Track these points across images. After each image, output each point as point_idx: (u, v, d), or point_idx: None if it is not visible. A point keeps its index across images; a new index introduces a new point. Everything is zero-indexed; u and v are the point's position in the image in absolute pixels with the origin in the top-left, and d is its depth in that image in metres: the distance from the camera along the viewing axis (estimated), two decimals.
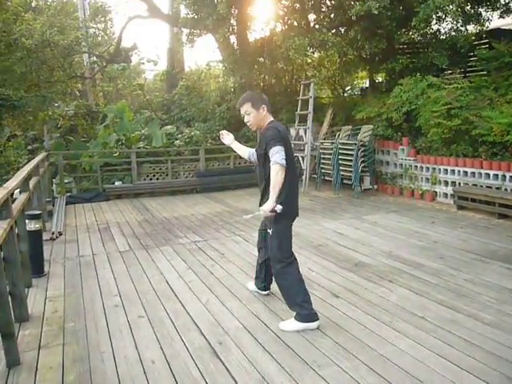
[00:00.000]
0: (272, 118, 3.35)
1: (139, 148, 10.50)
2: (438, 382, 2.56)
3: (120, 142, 10.65)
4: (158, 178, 10.10)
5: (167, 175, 10.15)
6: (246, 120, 3.35)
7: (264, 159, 3.24)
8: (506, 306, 3.56)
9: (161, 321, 3.41)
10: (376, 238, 5.65)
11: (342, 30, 9.62)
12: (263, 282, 3.80)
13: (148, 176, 10.04)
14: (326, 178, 9.76)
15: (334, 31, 9.47)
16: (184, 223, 6.84)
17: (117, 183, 9.86)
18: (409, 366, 2.72)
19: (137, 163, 9.76)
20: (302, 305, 3.24)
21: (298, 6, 9.44)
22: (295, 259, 3.36)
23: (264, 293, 3.86)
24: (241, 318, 3.42)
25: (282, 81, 12.53)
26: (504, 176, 6.85)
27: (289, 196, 3.18)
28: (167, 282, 4.25)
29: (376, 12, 7.52)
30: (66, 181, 9.73)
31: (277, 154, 3.03)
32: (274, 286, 3.93)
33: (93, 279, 4.38)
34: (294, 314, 3.27)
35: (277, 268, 3.32)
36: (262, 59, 11.63)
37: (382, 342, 3.03)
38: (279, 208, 3.08)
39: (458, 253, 5.00)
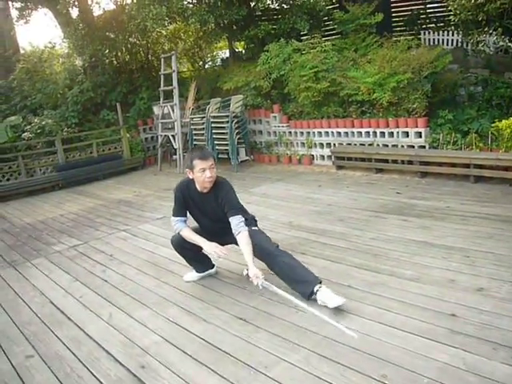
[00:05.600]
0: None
1: None
2: (391, 351, 2.41)
3: None
4: (8, 179, 8.60)
5: (20, 174, 8.71)
6: None
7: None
8: (418, 258, 3.61)
9: (58, 356, 2.71)
10: (271, 210, 5.45)
11: None
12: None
13: None
14: None
15: None
16: (54, 227, 5.87)
17: None
18: (356, 342, 2.52)
19: None
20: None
21: None
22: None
23: None
24: (158, 330, 2.89)
25: (137, 57, 11.58)
26: (375, 132, 7.18)
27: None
28: (53, 304, 3.47)
29: None
30: None
31: None
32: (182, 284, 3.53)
33: None
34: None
35: None
36: (112, 34, 10.54)
37: (321, 321, 2.78)
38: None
39: (354, 212, 5.04)
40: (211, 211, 3.28)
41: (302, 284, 3.01)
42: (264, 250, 3.13)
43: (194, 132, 9.17)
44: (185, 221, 3.31)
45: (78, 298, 3.52)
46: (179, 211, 3.31)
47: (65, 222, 6.04)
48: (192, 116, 9.22)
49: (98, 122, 10.76)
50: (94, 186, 8.58)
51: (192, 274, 3.65)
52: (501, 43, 7.21)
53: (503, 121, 5.83)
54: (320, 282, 3.00)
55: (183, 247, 3.43)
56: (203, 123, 8.87)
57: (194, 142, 9.18)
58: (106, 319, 3.12)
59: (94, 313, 3.24)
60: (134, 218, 5.85)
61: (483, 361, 2.25)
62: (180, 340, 2.75)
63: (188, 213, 3.37)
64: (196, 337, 2.77)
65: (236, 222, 3.10)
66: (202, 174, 3.09)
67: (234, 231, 3.10)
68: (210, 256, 3.32)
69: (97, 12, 10.74)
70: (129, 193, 7.55)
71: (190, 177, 3.20)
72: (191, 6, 8.12)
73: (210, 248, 3.14)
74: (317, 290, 2.96)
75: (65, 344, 2.84)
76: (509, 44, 7.32)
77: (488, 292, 2.93)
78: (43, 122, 9.40)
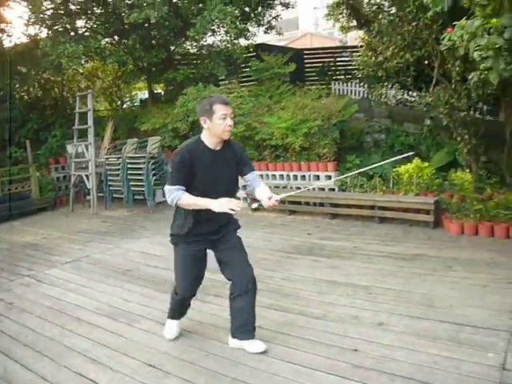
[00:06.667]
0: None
1: None
2: None
3: None
4: None
5: None
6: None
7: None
8: (326, 296, 3.78)
9: None
10: None
11: (119, 39, 9.09)
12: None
13: None
14: (116, 195, 9.12)
15: (109, 39, 8.89)
16: None
17: None
18: (264, 381, 2.56)
19: None
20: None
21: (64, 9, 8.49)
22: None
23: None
24: (58, 383, 2.71)
25: (51, 93, 11.23)
26: (288, 175, 7.51)
27: (187, 217, 2.85)
28: None
29: (154, 21, 7.31)
30: None
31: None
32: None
33: None
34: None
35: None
36: (24, 69, 10.17)
37: (231, 364, 2.79)
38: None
39: (267, 253, 5.16)
40: (223, 170, 2.85)
41: (243, 327, 3.00)
42: (243, 271, 3.09)
43: (108, 172, 8.96)
44: (184, 190, 2.73)
45: None
46: (181, 179, 2.73)
47: None
48: (108, 156, 9.03)
49: (4, 157, 10.14)
50: None
51: (172, 329, 3.24)
52: (399, 96, 7.99)
53: (402, 166, 6.38)
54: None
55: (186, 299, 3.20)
56: (119, 163, 8.70)
57: (109, 183, 8.96)
58: (0, 375, 2.87)
59: None
60: (40, 263, 5.49)
61: None
62: None
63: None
64: None
65: (254, 177, 3.02)
66: (223, 122, 2.71)
67: (253, 184, 3.00)
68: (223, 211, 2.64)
69: (7, 44, 10.33)
70: (36, 235, 7.10)
71: (205, 126, 2.75)
72: (109, 46, 8.09)
73: (220, 206, 2.61)
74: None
75: None
76: (406, 97, 8.11)
77: (388, 326, 3.13)
78: None
